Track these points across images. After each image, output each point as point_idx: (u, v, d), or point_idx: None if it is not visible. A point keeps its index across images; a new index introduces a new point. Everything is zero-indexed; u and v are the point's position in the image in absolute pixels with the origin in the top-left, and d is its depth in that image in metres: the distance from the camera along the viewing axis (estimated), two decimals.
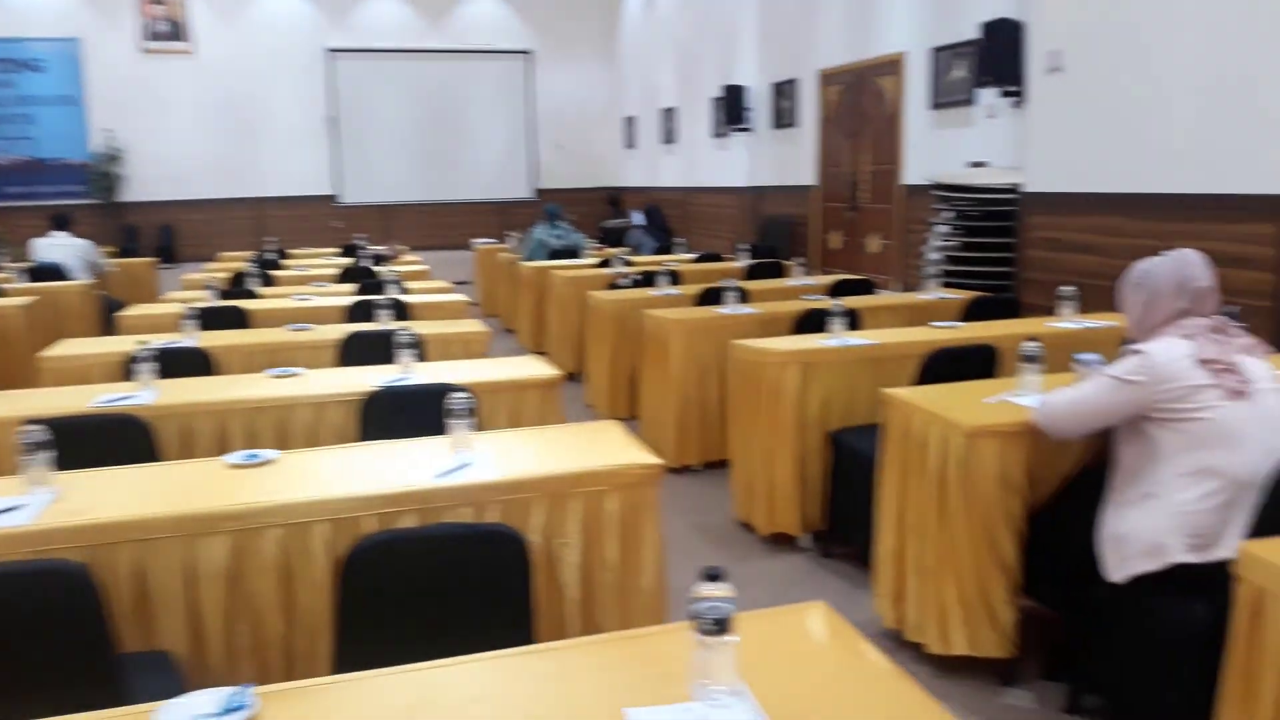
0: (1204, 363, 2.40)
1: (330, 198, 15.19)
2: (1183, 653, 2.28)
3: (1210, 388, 2.38)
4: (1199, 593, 2.26)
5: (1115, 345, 2.59)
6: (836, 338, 3.94)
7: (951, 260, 6.98)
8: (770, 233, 10.67)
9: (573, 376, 6.72)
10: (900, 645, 3.00)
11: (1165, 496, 2.39)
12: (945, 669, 2.88)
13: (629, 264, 7.50)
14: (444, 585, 1.90)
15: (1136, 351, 2.48)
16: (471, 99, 15.70)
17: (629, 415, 5.58)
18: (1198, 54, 4.83)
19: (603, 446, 2.60)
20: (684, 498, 4.51)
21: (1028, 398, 2.82)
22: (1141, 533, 2.41)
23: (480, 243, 10.61)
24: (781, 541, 3.88)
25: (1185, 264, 2.57)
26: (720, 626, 1.36)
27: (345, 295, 5.67)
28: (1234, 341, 2.49)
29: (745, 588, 3.46)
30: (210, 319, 4.74)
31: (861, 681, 1.49)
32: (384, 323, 4.48)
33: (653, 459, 2.47)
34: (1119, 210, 5.28)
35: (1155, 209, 5.07)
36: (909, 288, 7.42)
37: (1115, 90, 5.30)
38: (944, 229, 7.21)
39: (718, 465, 4.70)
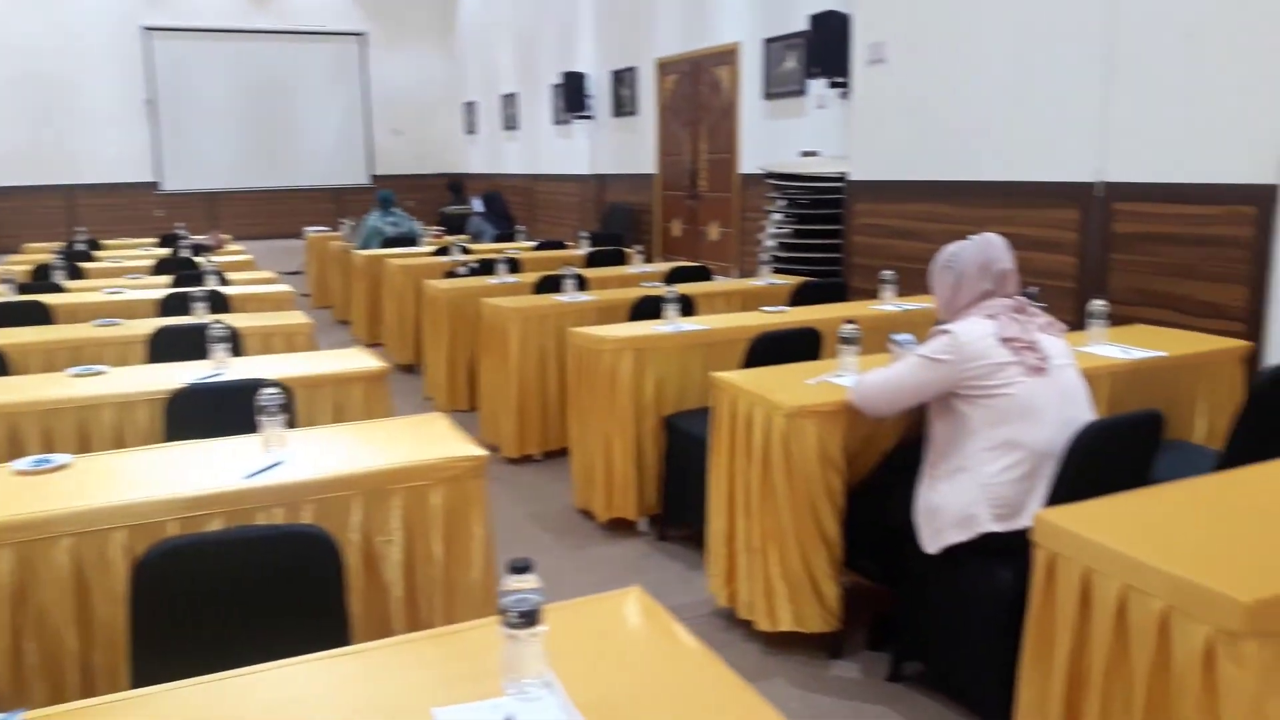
0: (1006, 341, 2.53)
1: (152, 185, 14.33)
2: (992, 616, 2.40)
3: (1012, 365, 2.50)
4: (1006, 560, 2.38)
5: (931, 326, 2.69)
6: (671, 324, 3.97)
7: (786, 247, 7.17)
8: (614, 220, 10.70)
9: (411, 369, 6.55)
10: (733, 624, 3.06)
11: (974, 469, 2.50)
12: (776, 644, 2.94)
13: (467, 252, 7.37)
14: (247, 591, 1.79)
15: (944, 331, 2.59)
16: (303, 82, 15.09)
17: (469, 407, 5.48)
18: (1007, 49, 5.09)
19: (427, 439, 2.53)
20: (524, 487, 4.47)
21: (846, 378, 2.90)
22: (953, 505, 2.52)
23: (312, 231, 10.20)
24: (620, 527, 3.89)
25: (989, 247, 2.69)
26: (527, 619, 1.33)
27: (160, 288, 5.33)
28: (1033, 320, 2.63)
29: (583, 574, 3.50)
30: (6, 316, 4.37)
31: (673, 666, 1.49)
32: (199, 316, 4.23)
33: (477, 450, 2.42)
34: (938, 197, 5.53)
35: (971, 196, 5.33)
36: (747, 274, 7.58)
37: (933, 82, 5.54)
38: (778, 217, 7.40)
39: (558, 454, 4.68)
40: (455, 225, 10.27)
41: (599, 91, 11.21)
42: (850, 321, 3.06)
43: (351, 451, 2.45)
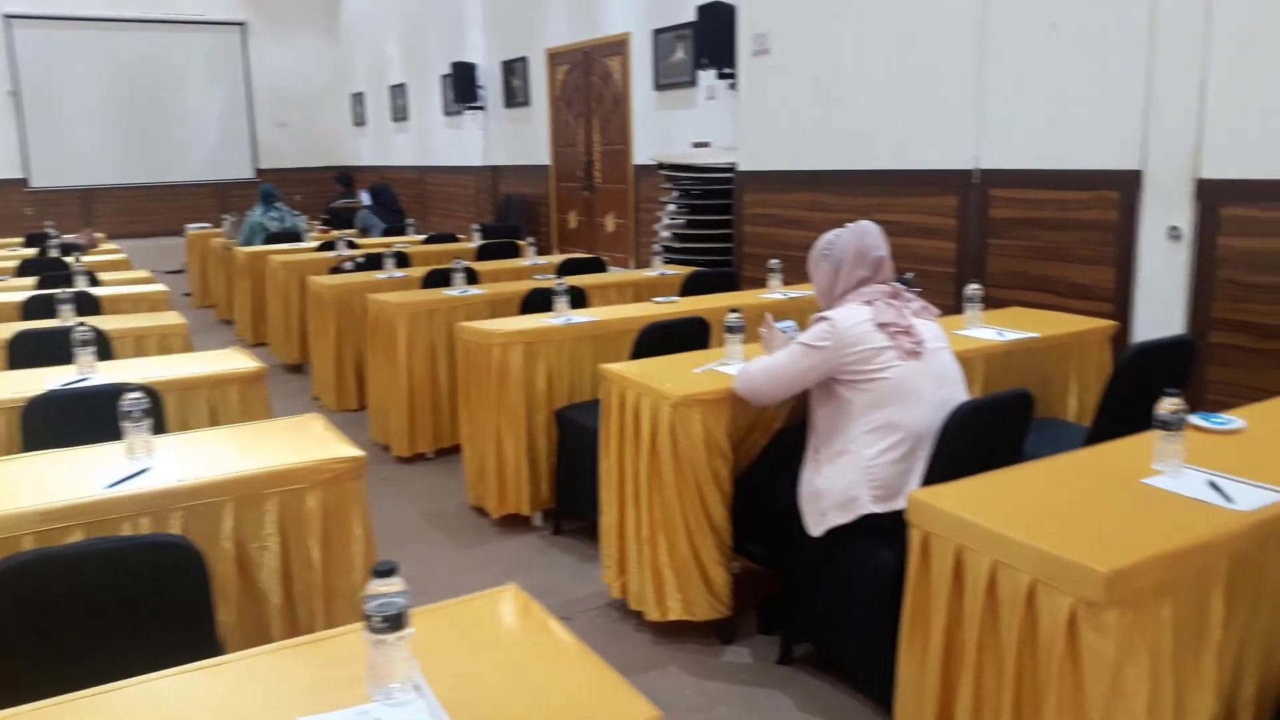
0: (882, 326, 2.58)
1: (20, 182, 13.59)
2: (874, 596, 2.44)
3: (889, 349, 2.56)
4: (887, 540, 2.43)
5: (814, 313, 2.73)
6: (561, 316, 3.94)
7: (680, 238, 7.22)
8: (509, 212, 10.60)
9: (299, 368, 6.36)
10: (627, 615, 3.05)
11: (855, 452, 2.55)
12: (668, 634, 2.95)
13: (353, 246, 7.19)
14: (106, 605, 1.70)
15: (823, 319, 2.62)
16: (181, 73, 14.50)
17: (358, 406, 5.35)
18: (887, 41, 5.21)
19: (304, 441, 2.45)
20: (416, 486, 4.38)
21: (731, 366, 2.92)
22: (835, 487, 2.56)
23: (194, 228, 9.82)
24: (514, 523, 3.85)
25: (865, 235, 2.74)
26: (393, 623, 1.29)
27: (24, 290, 5.05)
28: (908, 305, 2.69)
29: (475, 572, 3.45)
30: None
31: (549, 663, 1.47)
32: (65, 319, 4.02)
33: (355, 451, 2.35)
34: (824, 187, 5.62)
35: (856, 184, 5.44)
36: (644, 265, 7.59)
37: (817, 73, 5.63)
38: (672, 208, 7.45)
39: (451, 451, 4.60)
40: (344, 219, 10.02)
41: (490, 82, 11.07)
42: (735, 310, 3.08)
43: (223, 456, 2.35)
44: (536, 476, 3.74)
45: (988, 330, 3.49)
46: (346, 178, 11.60)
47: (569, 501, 3.69)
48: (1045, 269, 4.57)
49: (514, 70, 10.62)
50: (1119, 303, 4.29)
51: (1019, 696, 1.83)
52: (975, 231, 4.85)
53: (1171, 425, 2.12)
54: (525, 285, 4.85)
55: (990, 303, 4.51)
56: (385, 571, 1.30)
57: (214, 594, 1.88)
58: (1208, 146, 3.94)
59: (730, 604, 2.89)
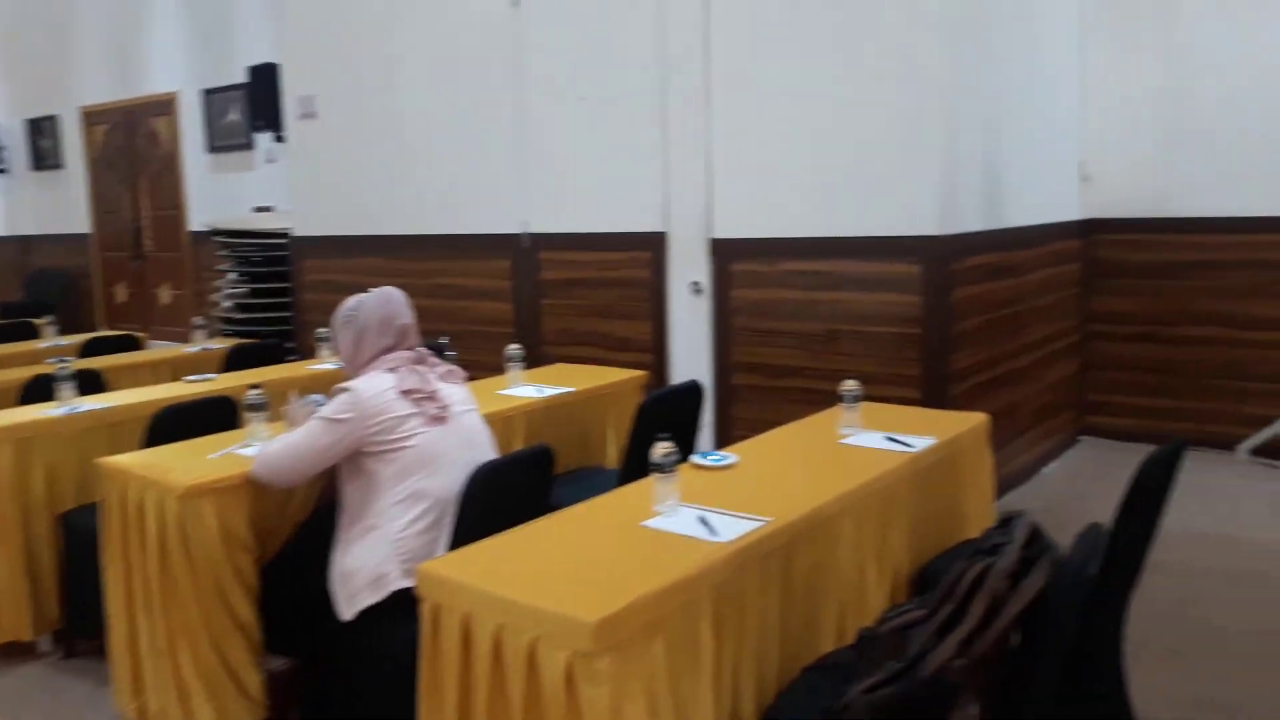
0: (406, 393, 2.53)
1: None
2: (398, 675, 2.34)
3: (413, 416, 2.51)
4: (414, 615, 2.34)
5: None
6: (65, 405, 3.45)
7: (242, 308, 6.79)
8: (41, 287, 9.33)
9: None
10: None
11: (384, 526, 2.46)
12: None
13: None
14: None
15: (344, 389, 2.52)
16: None
17: None
18: (434, 107, 5.27)
19: None
20: None
21: (254, 448, 2.71)
22: (366, 565, 2.44)
23: None
24: (15, 652, 3.27)
25: (390, 303, 2.69)
26: None
27: None
28: (434, 370, 2.66)
29: None
30: None
31: None
32: None
33: None
34: (384, 251, 5.54)
35: (414, 249, 5.41)
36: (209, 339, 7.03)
37: (367, 137, 5.56)
38: (232, 276, 7.00)
39: None
40: None
41: (13, 142, 9.77)
42: (255, 387, 2.88)
43: None
44: (40, 594, 3.22)
45: (529, 388, 3.58)
46: None
47: (81, 619, 3.20)
48: (594, 325, 4.82)
49: (42, 129, 9.46)
50: (657, 352, 4.63)
51: None
52: (529, 292, 5.02)
53: (664, 468, 2.26)
54: (29, 371, 4.22)
55: (547, 359, 4.68)
56: None
57: None
58: (717, 210, 4.40)
59: (268, 705, 2.65)
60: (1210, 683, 2.86)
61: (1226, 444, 5.01)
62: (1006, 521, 1.91)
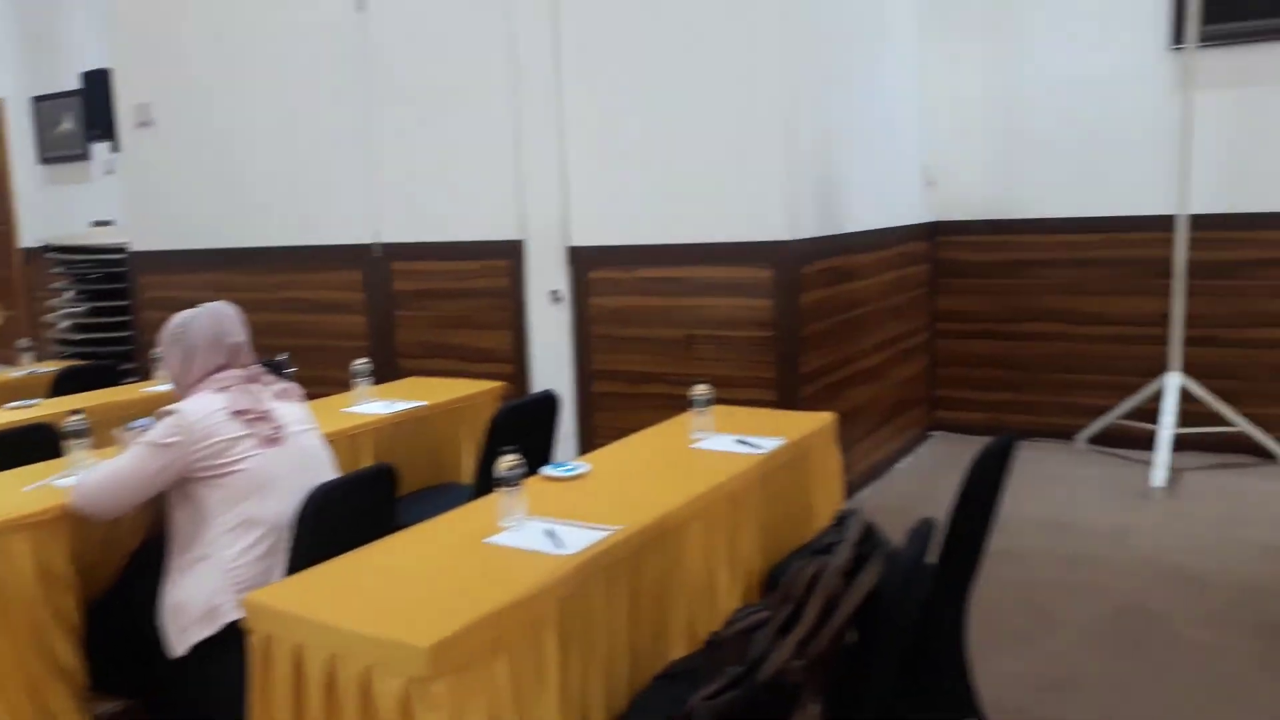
0: (237, 414, 2.41)
1: None
2: (232, 712, 2.23)
3: (245, 438, 2.39)
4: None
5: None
6: None
7: (80, 328, 6.43)
8: None
9: None
10: None
11: (215, 556, 2.34)
12: None
13: None
14: None
15: (170, 412, 2.39)
16: None
17: None
18: (277, 116, 5.08)
19: None
20: None
21: (73, 478, 2.54)
22: (197, 598, 2.32)
23: None
24: None
25: (222, 319, 2.56)
26: None
27: None
28: (268, 389, 2.55)
29: None
30: None
31: None
32: None
33: None
34: (228, 265, 5.31)
35: (260, 262, 5.21)
36: (43, 361, 6.61)
37: (208, 147, 5.33)
38: (70, 295, 6.62)
39: None
40: None
41: None
42: (76, 413, 2.70)
43: None
44: None
45: (378, 404, 3.48)
46: None
47: None
48: (451, 336, 4.74)
49: None
50: (518, 362, 4.57)
51: None
52: (383, 304, 4.89)
53: (509, 481, 2.23)
54: None
55: (403, 372, 4.57)
56: None
57: None
58: (574, 218, 4.38)
59: None
60: (1053, 663, 2.99)
61: (1066, 434, 5.28)
62: (841, 520, 1.95)
